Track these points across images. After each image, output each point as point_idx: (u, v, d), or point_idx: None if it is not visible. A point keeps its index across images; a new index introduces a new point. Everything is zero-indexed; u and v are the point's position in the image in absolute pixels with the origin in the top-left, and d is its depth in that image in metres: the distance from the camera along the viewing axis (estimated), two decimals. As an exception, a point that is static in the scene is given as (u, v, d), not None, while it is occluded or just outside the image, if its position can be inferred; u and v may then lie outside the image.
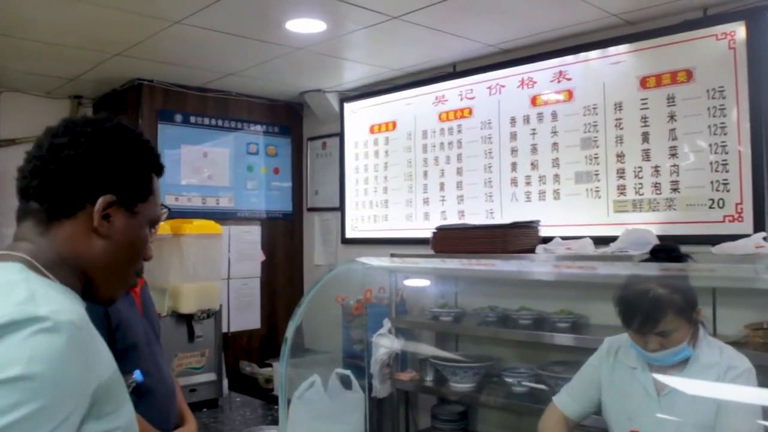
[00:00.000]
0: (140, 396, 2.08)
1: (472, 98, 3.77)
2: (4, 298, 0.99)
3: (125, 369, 2.06)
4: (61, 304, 1.01)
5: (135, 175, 1.20)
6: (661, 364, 1.95)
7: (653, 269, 2.19)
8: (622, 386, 2.07)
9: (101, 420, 1.03)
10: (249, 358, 4.36)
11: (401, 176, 4.13)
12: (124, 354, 2.07)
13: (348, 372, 2.46)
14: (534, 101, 3.49)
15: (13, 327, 0.94)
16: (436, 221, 3.82)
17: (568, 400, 2.25)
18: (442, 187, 3.90)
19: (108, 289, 1.21)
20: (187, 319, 3.13)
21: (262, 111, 4.65)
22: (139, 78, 4.06)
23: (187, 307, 3.07)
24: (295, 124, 4.86)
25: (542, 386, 3.07)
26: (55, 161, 1.12)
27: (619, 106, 3.16)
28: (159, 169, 1.27)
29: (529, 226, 3.33)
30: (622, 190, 3.16)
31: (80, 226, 1.13)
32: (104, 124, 1.19)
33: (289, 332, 2.16)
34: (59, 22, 3.08)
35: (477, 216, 3.70)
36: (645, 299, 1.91)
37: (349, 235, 4.45)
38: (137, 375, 2.07)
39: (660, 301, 1.89)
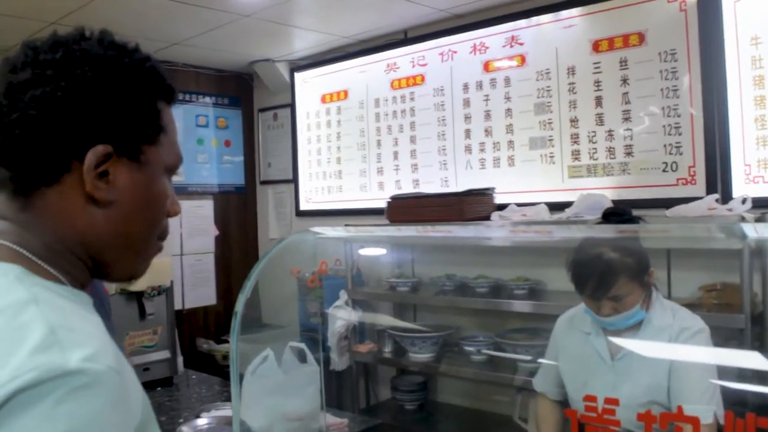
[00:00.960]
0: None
1: (425, 65, 3.71)
2: (11, 339, 0.70)
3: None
4: (92, 340, 0.74)
5: (134, 109, 0.86)
6: (614, 329, 1.94)
7: (608, 232, 2.18)
8: (577, 352, 2.07)
9: None
10: (206, 335, 4.29)
11: (354, 146, 4.06)
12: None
13: (302, 345, 2.41)
14: (486, 67, 3.45)
15: (39, 391, 0.66)
16: (391, 191, 3.77)
17: (544, 384, 2.25)
18: (396, 156, 3.85)
19: (126, 266, 0.92)
20: (138, 297, 3.04)
21: (210, 82, 4.53)
22: (81, 48, 3.90)
23: (136, 285, 2.98)
24: (246, 96, 4.75)
25: (501, 354, 3.07)
26: (18, 108, 0.80)
27: (572, 71, 3.14)
28: (169, 94, 0.92)
29: (484, 194, 3.30)
30: (576, 155, 3.14)
31: (69, 193, 0.82)
32: (78, 44, 0.86)
33: (239, 306, 2.09)
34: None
35: (432, 185, 3.67)
36: (597, 264, 1.90)
37: (303, 207, 4.38)
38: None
39: (612, 265, 1.88)
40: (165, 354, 3.16)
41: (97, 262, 0.88)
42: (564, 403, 2.16)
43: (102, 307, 1.76)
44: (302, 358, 2.43)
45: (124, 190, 0.85)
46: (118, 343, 2.15)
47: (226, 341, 4.15)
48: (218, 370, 3.85)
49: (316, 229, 2.47)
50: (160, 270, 3.07)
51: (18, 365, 0.67)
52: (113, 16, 3.33)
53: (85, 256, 0.86)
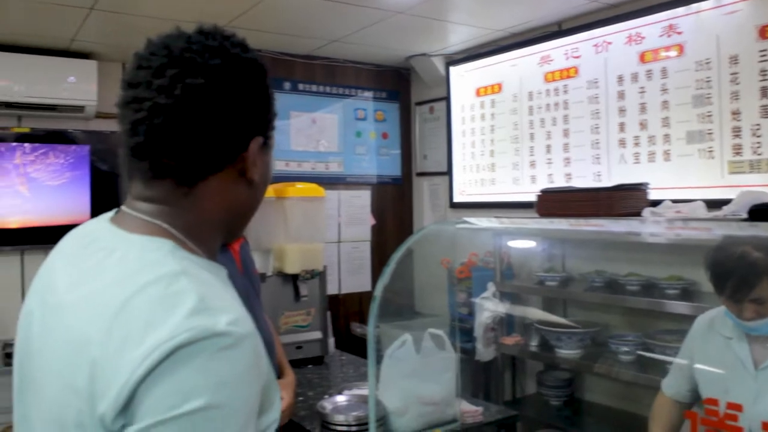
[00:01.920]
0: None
1: (578, 57, 3.64)
2: (168, 304, 0.82)
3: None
4: (233, 307, 0.87)
5: (270, 103, 1.04)
6: (758, 334, 1.84)
7: (763, 230, 2.07)
8: (716, 357, 1.97)
9: (261, 417, 0.91)
10: (360, 320, 4.48)
11: (507, 139, 4.07)
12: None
13: (440, 332, 2.49)
14: (642, 58, 3.33)
15: (194, 348, 0.78)
16: (543, 184, 3.76)
17: (672, 383, 2.19)
18: (548, 149, 3.82)
19: (240, 232, 1.09)
20: (293, 279, 3.26)
21: (369, 77, 4.70)
22: (248, 48, 4.19)
23: (291, 268, 3.20)
24: (403, 89, 4.88)
25: (651, 355, 2.98)
26: (191, 114, 0.91)
27: (734, 60, 2.97)
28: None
29: (637, 189, 3.21)
30: (737, 149, 2.97)
31: (228, 178, 0.97)
32: (231, 51, 0.98)
33: (378, 290, 2.21)
34: (170, -3, 3.25)
35: (584, 179, 3.60)
36: (738, 263, 1.81)
37: (457, 199, 4.45)
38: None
39: (755, 265, 1.79)
40: (317, 334, 3.36)
41: (228, 232, 1.04)
42: (685, 404, 2.08)
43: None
44: (441, 345, 2.51)
45: (261, 170, 1.01)
46: (273, 321, 2.33)
47: (379, 326, 4.31)
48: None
49: (468, 219, 2.54)
50: (313, 255, 3.27)
51: (175, 326, 0.79)
52: (279, 16, 3.57)
53: (225, 229, 1.02)
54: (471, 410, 2.48)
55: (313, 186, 3.40)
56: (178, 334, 0.78)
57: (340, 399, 2.49)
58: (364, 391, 2.51)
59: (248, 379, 0.83)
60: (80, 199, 4.27)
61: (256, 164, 0.99)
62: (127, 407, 0.78)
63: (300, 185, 3.35)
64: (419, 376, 2.37)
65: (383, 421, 2.30)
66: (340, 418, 2.34)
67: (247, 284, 2.37)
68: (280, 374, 2.42)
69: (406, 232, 4.86)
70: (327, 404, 2.46)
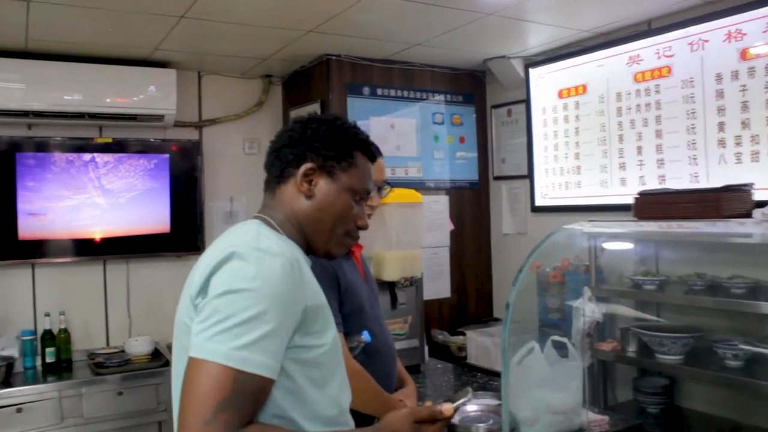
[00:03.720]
0: (368, 356, 2.17)
1: (671, 56, 3.56)
2: (241, 238, 1.34)
3: (353, 330, 2.16)
4: (279, 245, 1.33)
5: (335, 147, 1.48)
6: None
7: None
8: None
9: (309, 335, 1.33)
10: (440, 326, 4.43)
11: (594, 141, 3.99)
12: (352, 316, 2.17)
13: (565, 339, 2.43)
14: (744, 55, 3.24)
15: (242, 254, 1.27)
16: (634, 187, 3.67)
17: None
18: (639, 151, 3.73)
19: (318, 244, 1.50)
20: (390, 287, 3.21)
21: (445, 80, 4.66)
22: (327, 53, 4.18)
23: (390, 275, 3.16)
24: (479, 93, 4.82)
25: (760, 361, 2.89)
26: (283, 143, 1.51)
27: None
28: (366, 151, 1.55)
29: (743, 190, 3.11)
30: None
31: (291, 188, 1.47)
32: (319, 116, 1.55)
33: (511, 298, 2.16)
34: (255, 4, 3.23)
35: (680, 180, 3.52)
36: None
37: (539, 203, 4.38)
38: (366, 336, 2.15)
39: None
40: (414, 342, 3.31)
41: (303, 236, 1.49)
42: None
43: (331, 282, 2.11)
44: (563, 353, 2.45)
45: (320, 190, 1.48)
46: (387, 327, 2.32)
47: (461, 333, 4.26)
48: (454, 360, 3.97)
49: (574, 225, 2.48)
50: (411, 262, 3.23)
51: (234, 244, 1.31)
52: (361, 21, 3.53)
53: (298, 231, 1.48)
54: (598, 419, 2.42)
55: (411, 191, 3.36)
56: (234, 246, 1.30)
57: (467, 409, 2.43)
58: (486, 400, 2.46)
59: (280, 280, 1.26)
60: (160, 207, 4.29)
61: (315, 184, 1.47)
62: (203, 289, 1.28)
63: (398, 191, 3.30)
64: (547, 384, 2.31)
65: (514, 431, 2.25)
66: (470, 428, 2.29)
67: (369, 291, 2.34)
68: (400, 384, 2.38)
69: (484, 237, 4.80)
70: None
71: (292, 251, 1.37)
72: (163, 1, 3.13)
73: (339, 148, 1.49)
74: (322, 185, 1.47)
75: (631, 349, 3.42)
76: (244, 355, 1.18)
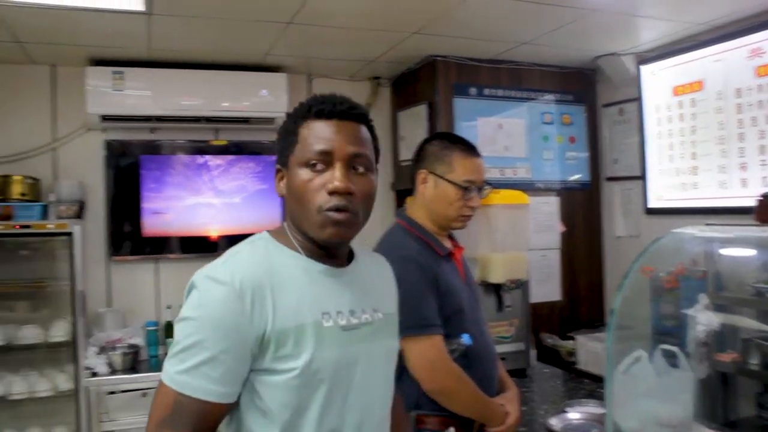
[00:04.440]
0: (468, 359, 2.14)
1: (798, 48, 3.33)
2: (212, 263, 1.37)
3: (453, 332, 2.14)
4: (244, 269, 1.31)
5: (283, 139, 1.43)
6: None
7: None
8: None
9: (277, 360, 1.30)
10: (549, 330, 4.33)
11: (712, 140, 3.78)
12: (452, 318, 2.15)
13: (675, 349, 2.31)
14: None
15: (196, 283, 1.31)
16: (757, 188, 3.45)
17: None
18: (762, 150, 3.51)
19: (309, 233, 1.39)
20: (496, 289, 3.18)
21: (554, 79, 4.55)
22: (433, 54, 4.18)
23: (496, 277, 3.12)
24: (589, 91, 4.68)
25: None
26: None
27: None
28: (306, 112, 1.40)
29: None
30: None
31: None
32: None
33: (616, 303, 2.10)
34: (359, 8, 3.28)
35: (808, 181, 3.28)
36: None
37: (652, 204, 4.20)
38: (466, 339, 2.13)
39: None
40: (520, 346, 3.26)
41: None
42: None
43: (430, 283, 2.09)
44: (672, 362, 2.33)
45: (286, 186, 1.42)
46: (488, 330, 2.26)
47: (571, 338, 4.15)
48: (563, 365, 3.87)
49: (688, 229, 2.35)
50: (517, 264, 3.18)
51: (202, 270, 1.34)
52: (468, 21, 3.51)
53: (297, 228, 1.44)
54: (712, 433, 2.29)
55: (517, 193, 3.31)
56: (196, 275, 1.33)
57: (570, 417, 2.37)
58: (591, 409, 2.38)
59: (218, 309, 1.27)
60: (272, 206, 4.43)
61: (285, 183, 1.43)
62: None
63: (504, 192, 3.27)
64: (655, 395, 2.21)
65: (620, 442, 2.17)
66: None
67: (470, 294, 2.32)
68: (501, 388, 2.34)
69: (595, 239, 4.65)
70: (556, 422, 2.35)
71: (249, 275, 1.30)
72: (271, 8, 3.24)
73: (287, 135, 1.42)
74: (285, 180, 1.43)
75: (754, 361, 3.21)
76: (184, 380, 1.25)
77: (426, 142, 2.37)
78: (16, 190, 3.89)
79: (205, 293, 1.28)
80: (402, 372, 2.14)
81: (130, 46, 3.84)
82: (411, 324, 2.06)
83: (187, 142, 4.30)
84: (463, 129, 4.14)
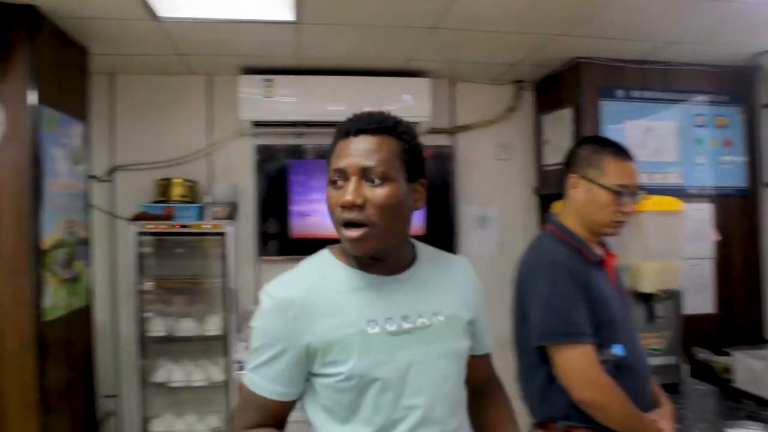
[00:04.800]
0: (620, 371, 2.07)
1: None
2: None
3: (604, 342, 2.08)
4: (291, 285, 1.50)
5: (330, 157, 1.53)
6: None
7: None
8: None
9: (326, 365, 1.45)
10: (702, 344, 4.10)
11: None
12: (603, 328, 2.09)
13: None
14: None
15: (260, 296, 1.51)
16: None
17: None
18: None
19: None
20: (647, 299, 3.05)
21: (707, 79, 4.30)
22: (578, 56, 4.07)
23: (647, 286, 3.00)
24: (747, 91, 4.38)
25: None
26: None
27: None
28: (339, 133, 1.51)
29: None
30: None
31: None
32: None
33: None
34: (506, 11, 3.25)
35: None
36: None
37: (820, 213, 3.89)
38: (618, 349, 2.06)
39: None
40: (671, 359, 3.12)
41: None
42: None
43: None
44: None
45: None
46: (641, 342, 2.16)
47: (726, 353, 3.91)
48: (718, 382, 3.65)
49: None
50: (670, 273, 3.04)
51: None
52: (615, 21, 3.40)
53: None
54: None
55: (670, 199, 3.17)
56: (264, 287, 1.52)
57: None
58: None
59: (268, 320, 1.48)
60: (418, 210, 4.46)
61: None
62: None
63: (656, 198, 3.14)
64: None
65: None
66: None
67: (622, 303, 2.24)
68: (654, 403, 2.24)
69: (754, 249, 4.35)
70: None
71: (295, 293, 1.48)
72: (417, 13, 3.28)
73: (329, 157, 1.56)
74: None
75: None
76: (250, 377, 1.51)
77: (577, 146, 2.32)
78: (176, 191, 4.16)
79: (262, 305, 1.49)
80: (551, 380, 2.11)
81: (279, 55, 4.00)
82: (560, 331, 2.02)
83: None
84: (610, 133, 4.00)
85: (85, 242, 3.66)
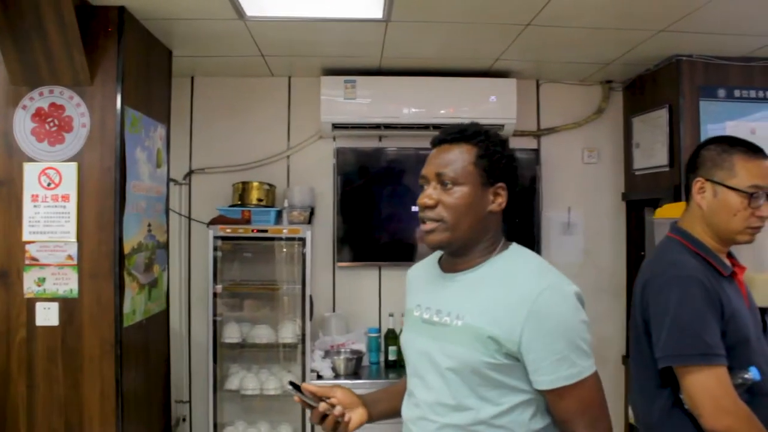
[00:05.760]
0: (753, 396, 1.87)
1: None
2: None
3: (738, 365, 1.87)
4: (413, 267, 1.90)
5: None
6: None
7: None
8: None
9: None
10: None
11: None
12: (736, 348, 1.88)
13: None
14: None
15: None
16: None
17: None
18: None
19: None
20: (762, 312, 2.81)
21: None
22: (677, 54, 3.84)
23: (760, 300, 2.76)
24: None
25: None
26: None
27: None
28: (431, 144, 1.71)
29: None
30: None
31: None
32: None
33: None
34: (603, 5, 3.06)
35: None
36: None
37: None
38: (754, 372, 1.86)
39: None
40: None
41: None
42: None
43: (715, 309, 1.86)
44: None
45: None
46: None
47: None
48: None
49: None
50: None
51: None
52: (720, 15, 3.17)
53: None
54: None
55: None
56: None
57: None
58: None
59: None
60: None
61: None
62: None
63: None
64: None
65: None
66: None
67: (755, 320, 2.03)
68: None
69: None
70: None
71: (412, 273, 1.90)
72: (511, 10, 3.12)
73: None
74: None
75: None
76: None
77: (701, 147, 2.12)
78: (254, 195, 4.09)
79: None
80: (674, 404, 1.93)
81: (361, 56, 3.90)
82: (692, 352, 1.84)
83: (413, 150, 4.29)
84: (710, 134, 3.76)
85: (163, 246, 3.60)
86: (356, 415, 1.73)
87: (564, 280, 1.57)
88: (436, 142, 1.66)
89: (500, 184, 1.62)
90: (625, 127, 4.48)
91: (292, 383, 1.71)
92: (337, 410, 1.68)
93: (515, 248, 1.69)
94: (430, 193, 1.61)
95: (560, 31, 3.41)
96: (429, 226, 1.61)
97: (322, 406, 1.67)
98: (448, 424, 1.57)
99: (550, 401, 1.54)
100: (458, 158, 1.59)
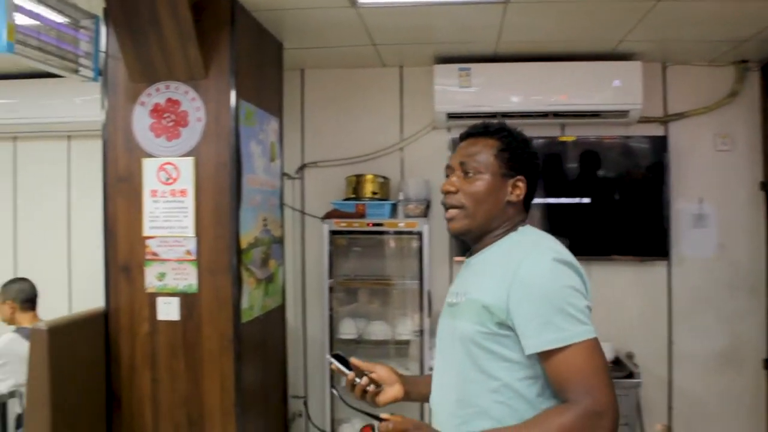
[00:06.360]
0: None
1: None
2: None
3: None
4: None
5: None
6: None
7: None
8: None
9: None
10: None
11: None
12: None
13: None
14: None
15: None
16: None
17: None
18: None
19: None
20: None
21: None
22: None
23: None
24: None
25: None
26: None
27: None
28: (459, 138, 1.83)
29: None
30: None
31: None
32: None
33: None
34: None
35: None
36: None
37: None
38: None
39: None
40: None
41: None
42: None
43: None
44: None
45: None
46: None
47: None
48: None
49: None
50: None
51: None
52: None
53: None
54: None
55: None
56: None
57: None
58: None
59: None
60: (632, 207, 4.08)
61: None
62: None
63: None
64: None
65: None
66: None
67: None
68: None
69: None
70: None
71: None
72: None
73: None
74: None
75: None
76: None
77: None
78: (368, 188, 4.01)
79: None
80: None
81: (476, 41, 3.75)
82: None
83: (532, 140, 4.09)
84: None
85: (279, 241, 3.57)
86: (392, 390, 1.81)
87: (552, 249, 1.60)
88: (464, 136, 1.77)
89: (519, 177, 1.70)
90: (762, 111, 4.13)
91: (333, 354, 1.85)
92: (364, 380, 1.77)
93: (523, 229, 1.73)
94: (453, 181, 1.71)
95: (691, 6, 3.13)
96: (451, 213, 1.71)
97: (364, 380, 1.77)
98: (457, 400, 1.63)
99: (546, 371, 1.53)
100: (481, 150, 1.69)
